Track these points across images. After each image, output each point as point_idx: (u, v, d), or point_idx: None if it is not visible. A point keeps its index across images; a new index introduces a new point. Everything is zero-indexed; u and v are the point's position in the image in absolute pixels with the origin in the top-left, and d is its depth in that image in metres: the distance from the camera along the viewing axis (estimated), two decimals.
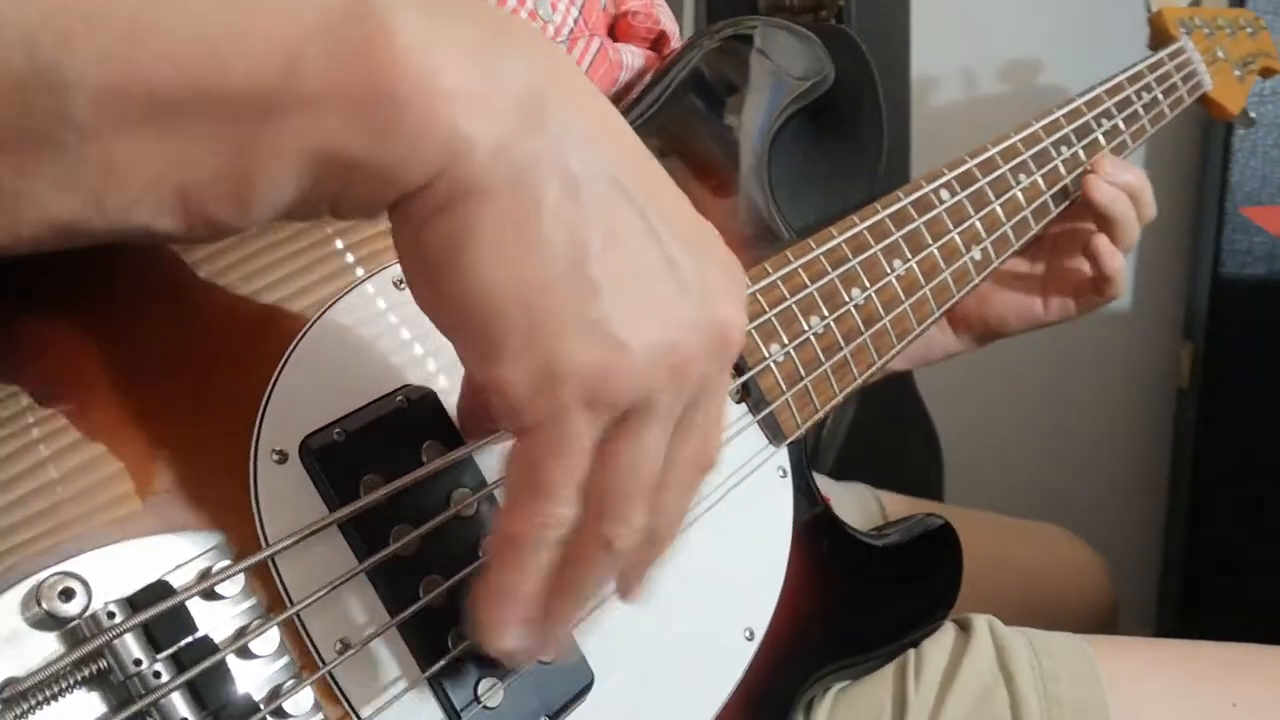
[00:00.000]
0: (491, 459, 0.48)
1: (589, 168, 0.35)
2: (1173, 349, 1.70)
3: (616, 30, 0.70)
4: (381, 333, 0.47)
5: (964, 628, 0.68)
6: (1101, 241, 0.83)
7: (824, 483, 1.01)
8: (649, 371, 0.36)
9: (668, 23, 0.72)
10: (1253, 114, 1.15)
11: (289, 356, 0.44)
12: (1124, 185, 0.83)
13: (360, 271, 0.48)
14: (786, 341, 0.61)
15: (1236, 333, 1.57)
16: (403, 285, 0.48)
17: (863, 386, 0.89)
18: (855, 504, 1.02)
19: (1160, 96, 0.98)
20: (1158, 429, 1.75)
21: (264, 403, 0.43)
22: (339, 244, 0.48)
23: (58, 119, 0.30)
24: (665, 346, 0.36)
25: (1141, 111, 0.94)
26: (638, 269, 0.36)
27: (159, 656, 0.38)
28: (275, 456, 0.43)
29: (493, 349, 0.35)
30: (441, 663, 0.44)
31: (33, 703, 0.35)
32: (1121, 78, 0.93)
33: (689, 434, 0.39)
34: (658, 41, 0.72)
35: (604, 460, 0.37)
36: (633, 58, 0.68)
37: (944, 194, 0.73)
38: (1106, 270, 0.83)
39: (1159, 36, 1.08)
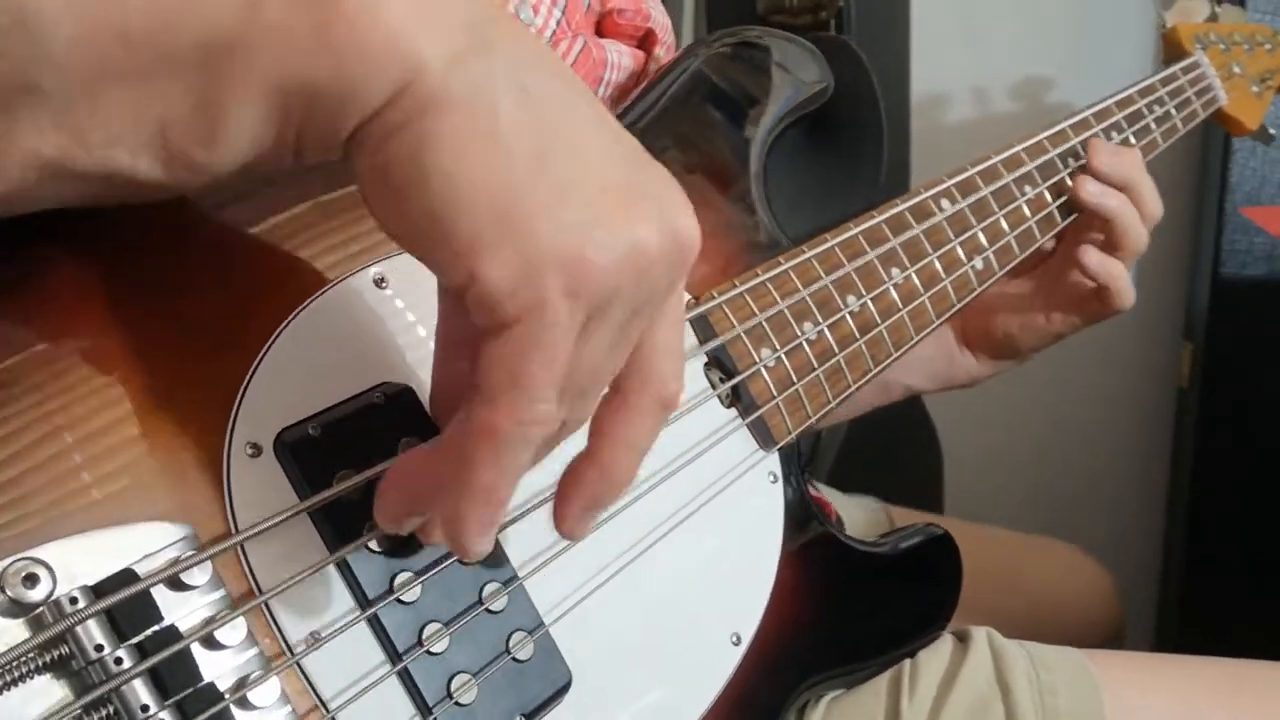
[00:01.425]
0: None
1: (541, 84, 0.36)
2: (1173, 349, 1.69)
3: (603, 28, 0.70)
4: (361, 329, 0.48)
5: (962, 639, 0.67)
6: (1087, 252, 0.81)
7: (832, 496, 1.01)
8: (620, 268, 0.36)
9: (659, 17, 0.72)
10: (1272, 130, 1.14)
11: (267, 350, 0.45)
12: (1120, 179, 0.81)
13: (342, 268, 0.48)
14: (778, 346, 0.61)
15: (1236, 333, 1.56)
16: (384, 283, 0.49)
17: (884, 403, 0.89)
18: (864, 518, 1.01)
19: (1173, 110, 0.97)
20: (1158, 429, 1.73)
21: (240, 395, 0.43)
22: (322, 241, 0.48)
23: (36, 62, 0.31)
24: (634, 245, 0.36)
25: (1154, 125, 0.93)
26: (599, 173, 0.36)
27: (122, 644, 0.38)
28: (249, 450, 0.43)
29: (469, 245, 0.35)
30: (413, 657, 0.44)
31: None
32: (1132, 90, 0.93)
33: (625, 343, 0.39)
34: (645, 39, 0.72)
35: None
36: (619, 56, 0.68)
37: (944, 202, 0.73)
38: (1100, 280, 0.81)
39: (1172, 52, 1.07)
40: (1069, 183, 0.82)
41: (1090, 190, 0.80)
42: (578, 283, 0.35)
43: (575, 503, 0.41)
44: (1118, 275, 0.81)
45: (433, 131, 0.34)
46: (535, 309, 0.35)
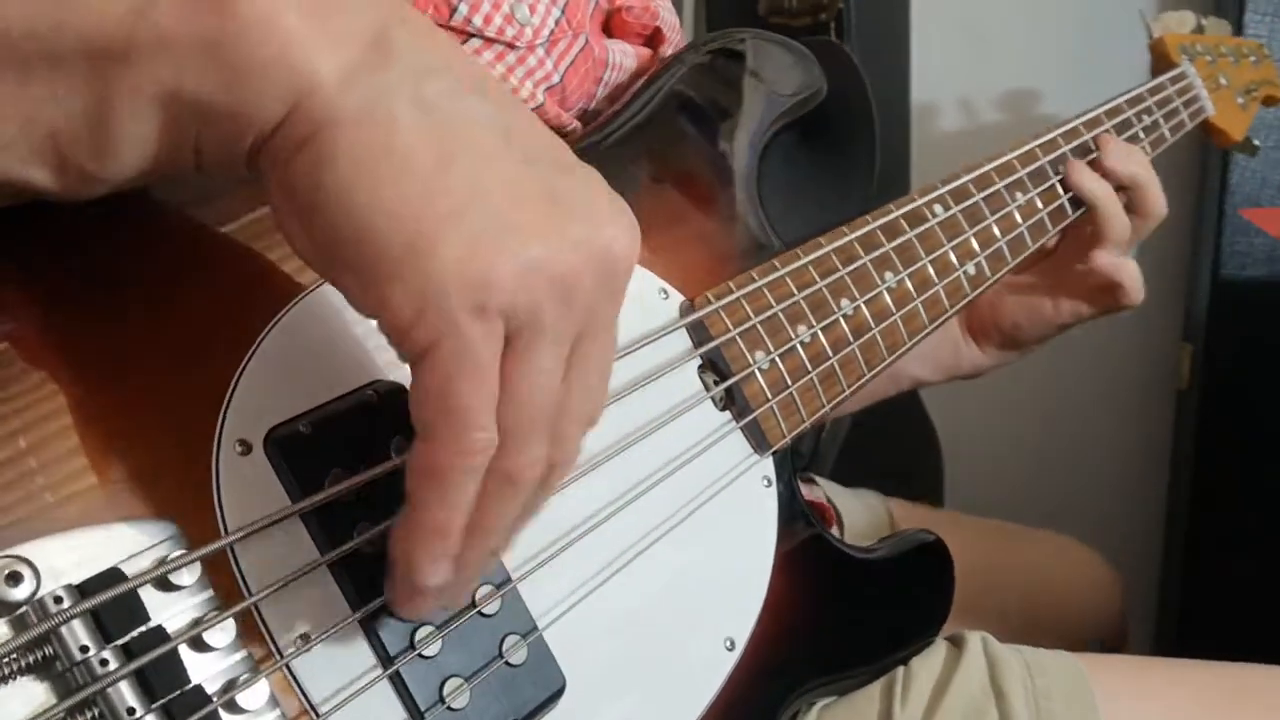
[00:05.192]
0: None
1: (443, 95, 0.35)
2: (1173, 351, 1.69)
3: (611, 26, 0.69)
4: (354, 326, 0.47)
5: (956, 644, 0.66)
6: (1099, 255, 0.82)
7: (834, 490, 1.00)
8: (530, 279, 0.35)
9: (667, 16, 0.72)
10: (1256, 141, 1.15)
11: (257, 347, 0.44)
12: (1127, 176, 0.82)
13: None
14: (772, 349, 0.61)
15: (1236, 334, 1.57)
16: None
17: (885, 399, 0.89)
18: (865, 512, 1.00)
19: (1161, 120, 0.97)
20: (1158, 430, 1.74)
21: (229, 392, 0.43)
22: None
23: None
24: (544, 257, 0.35)
25: (1142, 134, 0.94)
26: (509, 186, 0.35)
27: (108, 646, 0.37)
28: (239, 448, 0.42)
29: (370, 273, 0.34)
30: (405, 660, 0.43)
31: None
32: (1121, 100, 0.93)
33: (586, 366, 0.38)
34: (653, 38, 0.72)
35: (502, 386, 0.36)
36: (623, 56, 0.67)
37: (937, 208, 0.73)
38: (1114, 278, 0.82)
39: (1160, 62, 1.08)
40: (1059, 190, 0.83)
41: (1081, 175, 0.81)
42: (484, 299, 0.34)
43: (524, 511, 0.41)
44: (1130, 274, 0.82)
45: (329, 150, 0.33)
46: (446, 334, 0.34)
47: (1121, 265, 0.82)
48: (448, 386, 0.35)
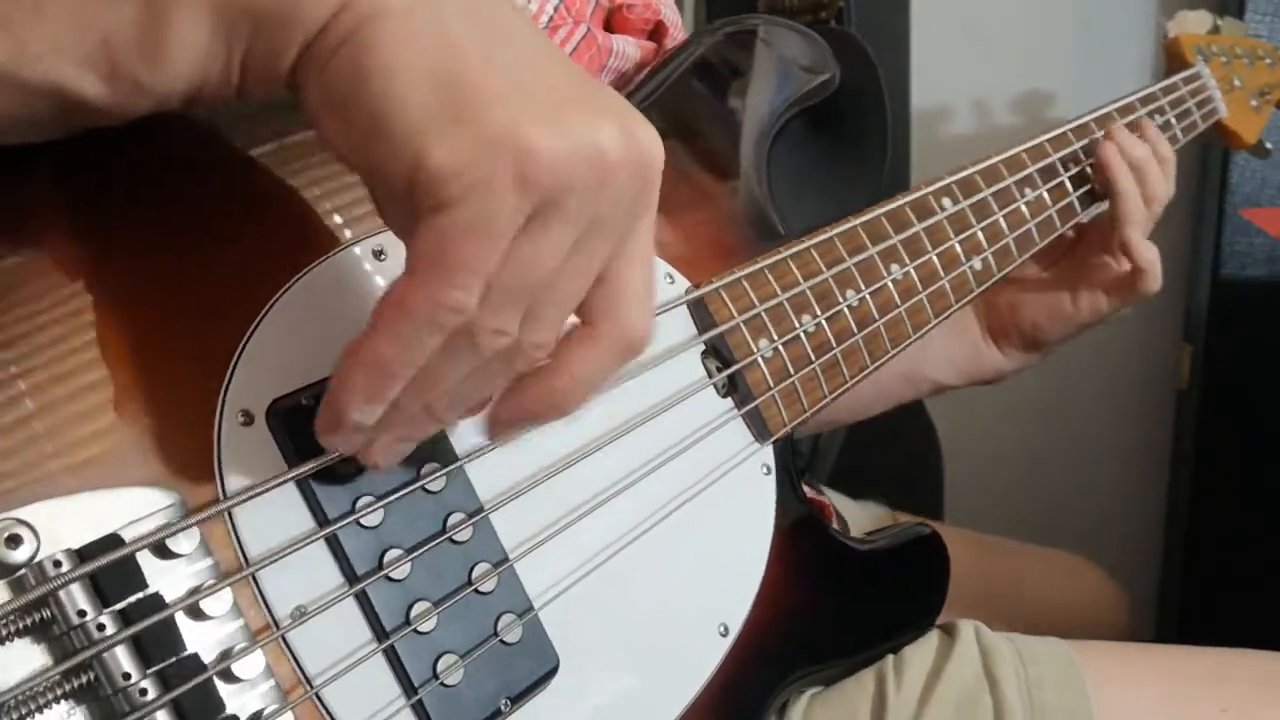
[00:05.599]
0: (465, 434, 0.47)
1: (484, 3, 0.36)
2: (1173, 351, 1.69)
3: (613, 23, 0.69)
4: (359, 300, 0.47)
5: (949, 632, 0.67)
6: (1125, 232, 0.81)
7: (840, 501, 1.00)
8: (574, 163, 0.34)
9: (669, 14, 0.71)
10: (1268, 144, 1.14)
11: (263, 317, 0.44)
12: (1134, 161, 0.82)
13: (345, 235, 0.47)
14: (776, 338, 0.61)
15: (1236, 334, 1.57)
16: (383, 255, 0.48)
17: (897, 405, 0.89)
18: (871, 525, 1.00)
19: (1173, 120, 0.97)
20: (1158, 431, 1.74)
21: (234, 362, 0.43)
22: (325, 205, 0.47)
23: None
24: (591, 144, 0.35)
25: None
26: (552, 77, 0.36)
27: (105, 610, 0.37)
28: (241, 418, 0.42)
29: (416, 129, 0.34)
30: (400, 635, 0.43)
31: None
32: (1134, 98, 0.93)
33: (589, 258, 0.37)
34: (655, 32, 0.71)
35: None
36: (626, 45, 0.67)
37: (945, 201, 0.73)
38: (1139, 262, 0.81)
39: (1174, 62, 1.07)
40: (1069, 187, 0.83)
41: (1107, 148, 0.82)
42: (529, 170, 0.34)
43: (513, 409, 0.40)
44: (1153, 260, 0.82)
45: (373, 36, 0.34)
46: (479, 189, 0.34)
47: (1146, 246, 0.82)
48: (455, 240, 0.34)
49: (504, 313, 0.36)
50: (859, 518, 0.99)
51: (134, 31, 0.33)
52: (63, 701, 0.36)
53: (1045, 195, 0.80)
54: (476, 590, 0.46)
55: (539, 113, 0.34)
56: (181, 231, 0.43)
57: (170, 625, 0.38)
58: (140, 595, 0.38)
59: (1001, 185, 0.77)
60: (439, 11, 0.35)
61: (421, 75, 0.34)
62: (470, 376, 0.38)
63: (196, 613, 0.39)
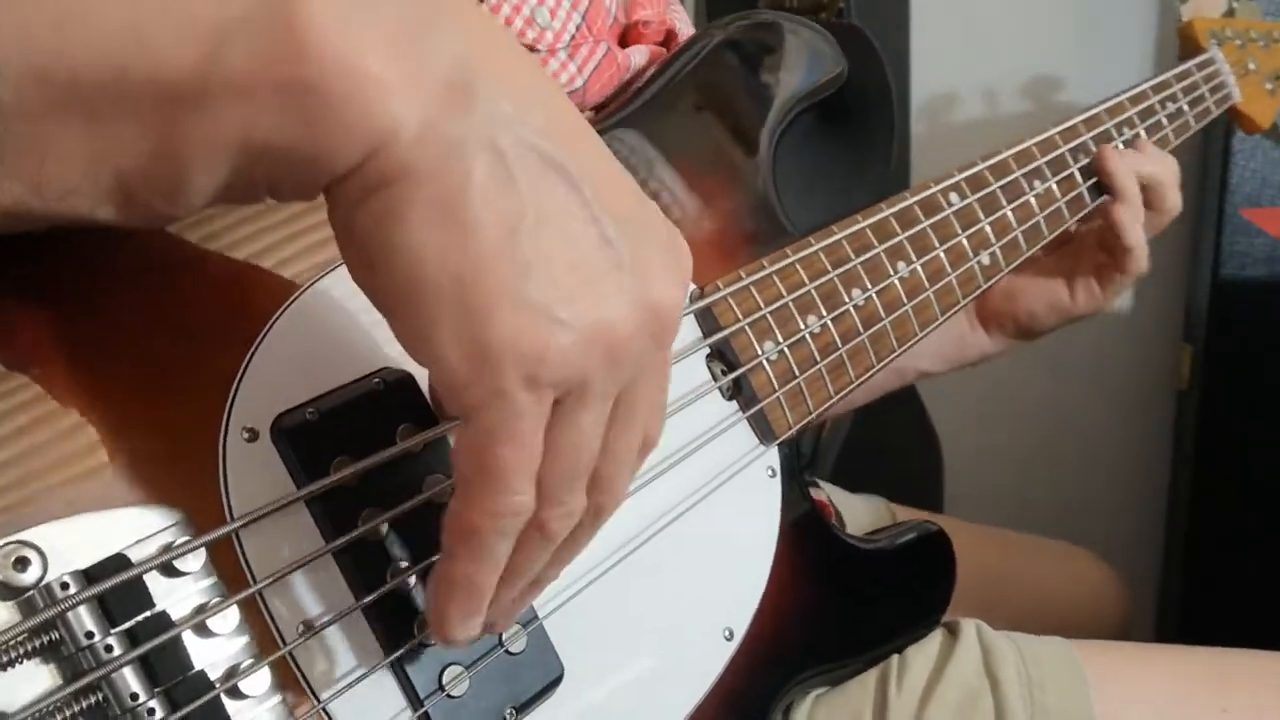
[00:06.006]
0: None
1: (519, 145, 0.34)
2: (1173, 351, 1.69)
3: (628, 39, 0.69)
4: (361, 313, 0.47)
5: (951, 632, 0.67)
6: (1119, 210, 0.82)
7: (837, 494, 1.00)
8: (585, 351, 0.35)
9: (682, 26, 0.71)
10: None
11: (265, 334, 0.44)
12: (1145, 176, 0.83)
13: None
14: (781, 340, 0.61)
15: (1236, 335, 1.56)
16: None
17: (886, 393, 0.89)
18: (868, 517, 1.00)
19: (1186, 107, 0.96)
20: (1158, 431, 1.74)
21: (237, 379, 0.43)
22: (321, 221, 0.47)
23: None
24: (600, 326, 0.35)
25: (1166, 121, 0.93)
26: (571, 247, 0.35)
27: (113, 631, 0.37)
28: (246, 434, 0.43)
29: (427, 330, 0.34)
30: (405, 649, 0.44)
31: None
32: (1145, 86, 0.92)
33: (630, 418, 0.39)
34: (666, 40, 0.71)
35: (544, 444, 0.37)
36: (639, 57, 0.67)
37: (953, 196, 0.72)
38: (1126, 241, 0.82)
39: (1188, 46, 1.06)
40: (1078, 178, 0.82)
41: (1112, 162, 0.82)
42: (538, 370, 0.34)
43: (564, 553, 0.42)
44: (1139, 240, 0.83)
45: (403, 203, 0.33)
46: (495, 399, 0.34)
47: (1133, 225, 0.83)
48: (490, 449, 0.35)
49: (564, 496, 0.38)
50: (856, 511, 0.99)
51: (150, 170, 0.32)
52: None
53: (1054, 188, 0.80)
54: None
55: (549, 304, 0.34)
56: (183, 249, 0.43)
57: (177, 644, 0.39)
58: (147, 614, 0.38)
59: (1010, 179, 0.76)
60: (468, 174, 0.33)
61: (441, 269, 0.33)
62: (558, 553, 0.40)
63: (203, 630, 0.39)
